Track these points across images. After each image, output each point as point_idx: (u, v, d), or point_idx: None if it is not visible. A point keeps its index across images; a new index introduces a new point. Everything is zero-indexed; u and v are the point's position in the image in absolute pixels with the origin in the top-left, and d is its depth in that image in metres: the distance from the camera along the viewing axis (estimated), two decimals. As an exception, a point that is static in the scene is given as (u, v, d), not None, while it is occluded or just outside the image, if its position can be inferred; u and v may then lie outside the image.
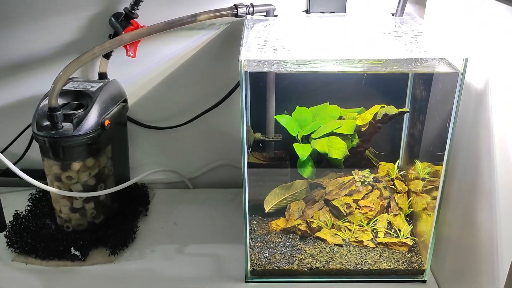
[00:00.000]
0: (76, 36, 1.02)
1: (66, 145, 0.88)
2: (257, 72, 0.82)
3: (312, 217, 0.93)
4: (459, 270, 0.80)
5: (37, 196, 1.06)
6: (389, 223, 0.94)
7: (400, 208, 0.95)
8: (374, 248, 0.90)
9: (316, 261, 0.87)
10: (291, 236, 0.93)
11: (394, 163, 1.01)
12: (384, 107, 0.93)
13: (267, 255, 0.89)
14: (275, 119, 0.97)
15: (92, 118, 0.90)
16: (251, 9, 0.95)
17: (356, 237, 0.91)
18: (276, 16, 0.97)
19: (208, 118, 1.10)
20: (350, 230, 0.92)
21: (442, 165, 0.78)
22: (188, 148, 1.15)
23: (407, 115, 1.00)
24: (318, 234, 0.92)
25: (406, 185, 0.97)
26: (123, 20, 0.97)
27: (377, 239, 0.91)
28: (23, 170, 0.92)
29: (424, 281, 0.87)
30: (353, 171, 0.96)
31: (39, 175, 0.96)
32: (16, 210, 1.00)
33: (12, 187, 1.15)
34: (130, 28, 0.97)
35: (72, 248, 0.91)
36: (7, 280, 0.88)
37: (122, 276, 0.89)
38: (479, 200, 0.74)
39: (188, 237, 1.00)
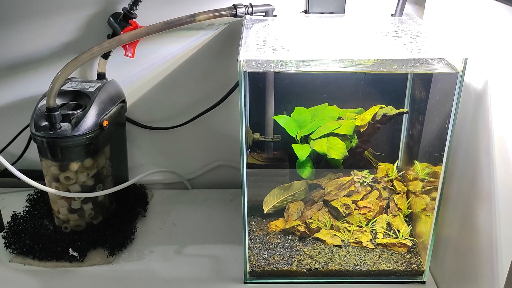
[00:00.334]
0: (74, 36, 1.02)
1: (64, 146, 0.88)
2: (256, 72, 0.82)
3: (311, 218, 0.93)
4: (458, 271, 0.80)
5: (35, 196, 1.06)
6: (388, 224, 0.94)
7: (399, 209, 0.95)
8: (373, 249, 0.90)
9: (315, 262, 0.87)
10: (290, 237, 0.92)
11: (393, 163, 1.00)
12: (383, 107, 0.93)
13: (266, 256, 0.89)
14: (274, 119, 0.97)
15: (90, 119, 0.89)
16: (250, 9, 0.95)
17: (355, 238, 0.91)
18: (275, 16, 0.97)
19: (207, 118, 1.09)
20: (349, 231, 0.92)
21: (441, 165, 0.78)
22: (187, 148, 1.15)
23: (406, 116, 1.00)
24: (317, 235, 0.92)
25: (405, 186, 0.97)
26: (122, 20, 0.97)
27: (376, 240, 0.91)
28: (21, 170, 0.92)
29: (423, 282, 0.87)
30: (352, 172, 0.96)
31: (37, 175, 0.96)
32: (14, 211, 1.00)
33: (10, 187, 1.14)
34: (129, 28, 0.96)
35: (70, 249, 0.91)
36: (5, 281, 0.88)
37: (121, 277, 0.89)
38: (479, 201, 0.73)
39: (186, 238, 1.00)
